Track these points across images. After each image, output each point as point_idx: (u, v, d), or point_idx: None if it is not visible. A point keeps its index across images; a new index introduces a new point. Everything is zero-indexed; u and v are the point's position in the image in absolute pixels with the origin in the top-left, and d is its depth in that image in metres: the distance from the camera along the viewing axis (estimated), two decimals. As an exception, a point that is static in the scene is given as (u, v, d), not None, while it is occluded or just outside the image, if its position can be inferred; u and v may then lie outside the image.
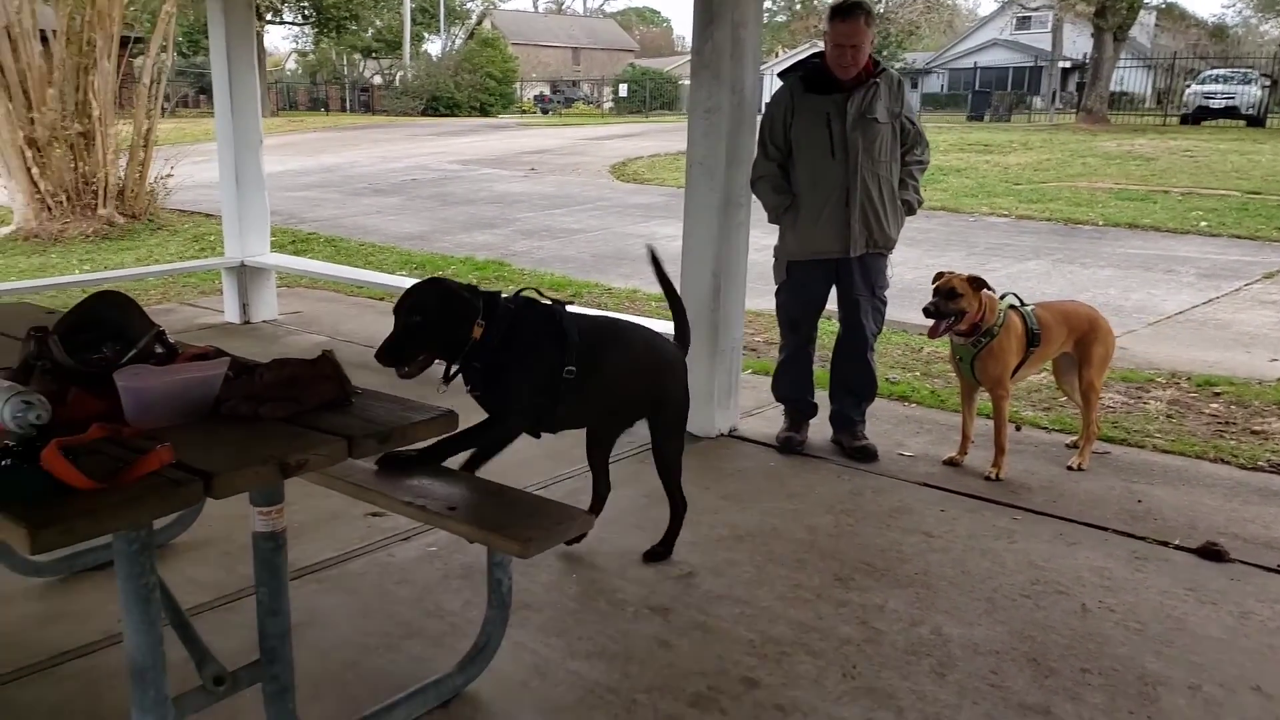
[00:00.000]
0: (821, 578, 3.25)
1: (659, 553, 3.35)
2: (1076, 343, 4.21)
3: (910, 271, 7.31)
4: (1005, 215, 12.69)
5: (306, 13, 42.46)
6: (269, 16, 40.52)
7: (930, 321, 4.03)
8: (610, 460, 3.46)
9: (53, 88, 10.75)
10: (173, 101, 21.44)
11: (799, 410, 4.50)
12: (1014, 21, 44.43)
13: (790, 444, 4.40)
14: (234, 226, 6.78)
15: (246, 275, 6.81)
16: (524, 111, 43.36)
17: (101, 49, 10.87)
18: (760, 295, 5.04)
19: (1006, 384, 4.10)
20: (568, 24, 62.70)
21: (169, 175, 11.95)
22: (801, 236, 4.22)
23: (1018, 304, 4.13)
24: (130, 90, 12.07)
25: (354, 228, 11.80)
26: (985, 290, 4.00)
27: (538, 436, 3.06)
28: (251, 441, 1.90)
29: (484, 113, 39.32)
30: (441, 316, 2.75)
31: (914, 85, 39.75)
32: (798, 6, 45.60)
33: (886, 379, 5.37)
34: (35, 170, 10.80)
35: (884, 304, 4.37)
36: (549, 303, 2.98)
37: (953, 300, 3.96)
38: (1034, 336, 4.06)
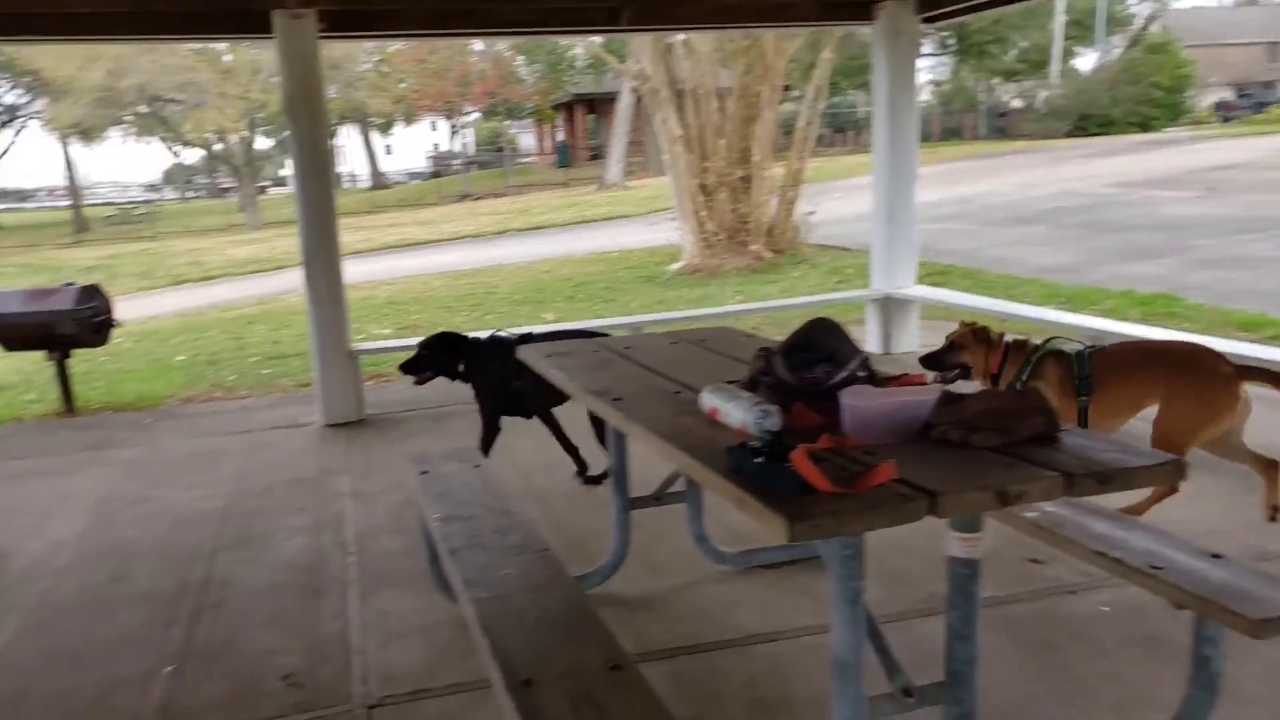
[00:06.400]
0: None
1: None
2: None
3: None
4: None
5: (948, 42, 42.17)
6: (910, 50, 40.56)
7: None
8: None
9: (723, 139, 12.33)
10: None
11: None
12: None
13: None
14: (882, 259, 7.03)
15: (891, 307, 7.03)
16: (1198, 123, 37.64)
17: (765, 100, 12.19)
18: None
19: None
20: (1264, 15, 52.37)
21: (812, 213, 12.93)
22: None
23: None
24: (779, 135, 13.33)
25: (993, 259, 11.44)
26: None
27: (529, 416, 4.56)
28: (965, 467, 1.89)
29: (1144, 128, 35.34)
30: (440, 355, 4.57)
31: None
32: None
33: None
34: (704, 213, 12.45)
35: None
36: (507, 337, 4.49)
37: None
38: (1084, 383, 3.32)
